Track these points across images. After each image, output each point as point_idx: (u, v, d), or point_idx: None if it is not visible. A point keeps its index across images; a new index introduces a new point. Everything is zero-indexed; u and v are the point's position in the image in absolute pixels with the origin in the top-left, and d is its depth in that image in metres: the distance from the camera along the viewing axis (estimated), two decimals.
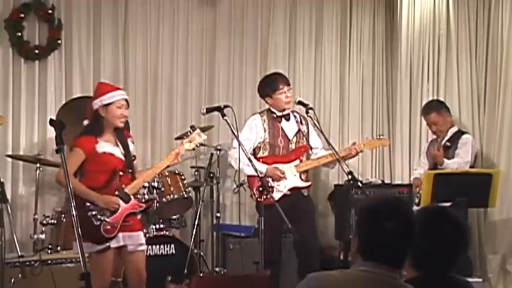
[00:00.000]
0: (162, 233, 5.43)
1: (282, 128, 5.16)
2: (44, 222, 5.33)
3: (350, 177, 4.63)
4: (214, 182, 5.99)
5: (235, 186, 5.57)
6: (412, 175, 6.20)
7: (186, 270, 5.24)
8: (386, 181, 6.70)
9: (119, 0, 6.31)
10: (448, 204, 4.79)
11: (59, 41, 6.02)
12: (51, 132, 4.23)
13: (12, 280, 4.73)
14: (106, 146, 4.22)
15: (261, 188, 4.44)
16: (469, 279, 2.95)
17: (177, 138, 5.73)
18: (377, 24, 7.12)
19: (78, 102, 5.55)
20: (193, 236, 5.63)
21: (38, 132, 5.99)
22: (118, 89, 4.41)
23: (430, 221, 2.46)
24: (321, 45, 6.97)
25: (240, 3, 6.73)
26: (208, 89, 6.65)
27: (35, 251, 5.27)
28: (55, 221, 5.32)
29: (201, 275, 5.51)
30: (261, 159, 5.12)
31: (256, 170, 4.40)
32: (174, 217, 5.87)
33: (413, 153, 6.80)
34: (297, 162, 5.15)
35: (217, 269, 5.82)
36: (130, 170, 4.32)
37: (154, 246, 5.31)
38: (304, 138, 5.20)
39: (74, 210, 3.08)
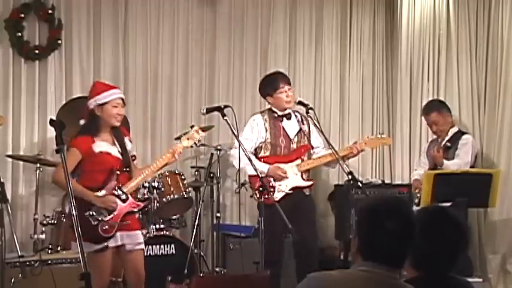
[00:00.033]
0: (162, 233, 5.43)
1: (283, 128, 5.16)
2: (44, 222, 5.33)
3: (350, 177, 4.63)
4: (214, 182, 5.99)
5: (237, 186, 5.56)
6: (412, 176, 6.20)
7: (186, 270, 5.24)
8: (386, 181, 6.70)
9: (119, 0, 6.31)
10: (448, 204, 4.79)
11: (59, 41, 6.02)
12: (51, 132, 4.22)
13: (12, 280, 4.73)
14: (103, 145, 4.21)
15: (261, 188, 4.44)
16: (469, 279, 2.95)
17: (177, 138, 5.70)
18: (377, 23, 7.12)
19: (78, 102, 5.54)
20: (193, 236, 5.63)
21: (38, 132, 5.98)
22: (113, 87, 4.39)
23: (430, 221, 2.46)
24: (321, 45, 6.97)
25: (240, 3, 6.73)
26: (208, 89, 6.65)
27: (35, 251, 5.27)
28: (55, 221, 5.32)
29: (201, 275, 5.51)
30: (262, 159, 5.12)
31: (256, 169, 4.39)
32: (174, 217, 5.87)
33: (413, 153, 6.80)
34: (299, 161, 5.14)
35: (217, 269, 5.82)
36: (127, 169, 4.31)
37: (154, 246, 5.31)
38: (306, 138, 5.20)
39: (74, 210, 3.08)
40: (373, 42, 7.10)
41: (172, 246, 5.39)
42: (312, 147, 5.25)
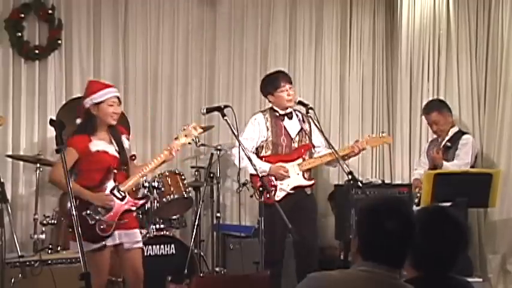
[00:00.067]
0: (162, 233, 5.43)
1: (284, 127, 5.15)
2: (44, 222, 5.33)
3: (350, 177, 4.63)
4: (214, 182, 5.99)
5: (238, 185, 5.54)
6: (412, 175, 6.20)
7: (186, 270, 5.24)
8: (386, 181, 6.70)
9: (119, 0, 6.31)
10: (448, 204, 4.79)
11: (59, 41, 6.02)
12: (51, 132, 4.23)
13: (12, 280, 4.73)
14: (100, 144, 4.20)
15: (261, 188, 4.43)
16: (469, 279, 2.95)
17: (177, 138, 5.72)
18: (377, 23, 7.12)
19: (78, 102, 5.51)
20: (193, 236, 5.63)
21: (38, 132, 5.98)
22: (109, 86, 4.37)
23: (430, 221, 2.46)
24: (321, 45, 6.97)
25: (240, 3, 6.74)
26: (208, 89, 6.65)
27: (35, 251, 5.27)
28: (55, 221, 5.32)
29: (201, 275, 5.51)
30: (263, 158, 5.12)
31: (255, 169, 4.39)
32: (174, 217, 5.87)
33: (413, 153, 6.80)
34: (300, 160, 5.14)
35: (217, 269, 5.82)
36: (125, 168, 4.30)
37: (154, 246, 5.32)
38: (307, 137, 5.20)
39: (73, 210, 3.08)
40: (373, 42, 7.10)
41: (172, 246, 5.39)
42: (313, 146, 5.25)
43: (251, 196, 5.05)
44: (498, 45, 6.25)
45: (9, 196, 5.05)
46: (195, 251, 5.60)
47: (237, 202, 6.53)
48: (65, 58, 6.10)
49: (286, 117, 5.17)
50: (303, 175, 5.14)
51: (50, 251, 5.17)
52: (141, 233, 5.28)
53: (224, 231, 6.14)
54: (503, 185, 5.66)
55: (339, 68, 7.03)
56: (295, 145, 5.16)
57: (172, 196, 5.62)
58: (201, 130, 4.53)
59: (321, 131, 5.06)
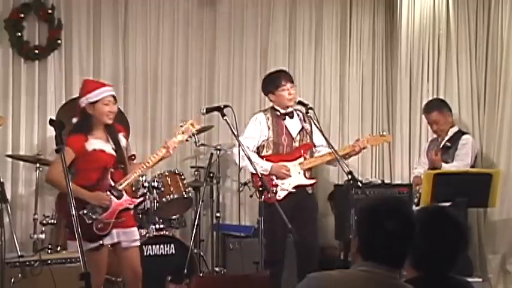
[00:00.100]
0: (162, 233, 5.43)
1: (285, 126, 5.15)
2: (44, 222, 5.32)
3: (350, 177, 4.63)
4: (214, 182, 5.99)
5: (240, 184, 5.54)
6: (412, 174, 6.20)
7: (186, 270, 5.24)
8: (386, 181, 6.70)
9: (119, 0, 6.31)
10: (447, 204, 4.79)
11: (59, 41, 6.02)
12: (51, 132, 4.22)
13: (12, 280, 4.72)
14: (96, 143, 4.19)
15: (261, 188, 4.43)
16: (469, 279, 2.95)
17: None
18: (377, 23, 7.12)
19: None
20: (193, 236, 5.63)
21: (38, 132, 5.98)
22: (104, 85, 4.35)
23: (430, 221, 2.46)
24: (320, 45, 6.97)
25: (240, 3, 6.74)
26: (208, 89, 6.65)
27: (35, 251, 5.26)
28: (55, 221, 5.31)
29: (201, 275, 5.51)
30: (264, 158, 5.12)
31: (256, 169, 4.39)
32: (174, 217, 5.87)
33: (413, 152, 6.80)
34: (301, 160, 5.14)
35: (217, 269, 5.83)
36: (122, 166, 4.29)
37: (154, 246, 5.31)
38: (308, 136, 5.20)
39: (73, 209, 3.08)
40: (373, 42, 7.10)
41: (172, 246, 5.39)
42: (314, 146, 5.25)
43: (251, 196, 5.04)
44: (498, 45, 6.25)
45: (9, 196, 5.05)
46: (195, 251, 5.60)
47: (236, 202, 6.53)
48: (65, 58, 6.10)
49: (287, 117, 5.17)
50: (304, 174, 5.14)
51: (49, 251, 5.17)
52: (140, 233, 5.31)
53: (224, 231, 6.14)
54: (503, 185, 5.66)
55: (339, 68, 7.03)
56: (296, 144, 5.16)
57: (172, 196, 5.62)
58: (199, 126, 4.52)
59: (321, 131, 5.06)
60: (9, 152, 5.80)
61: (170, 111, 6.49)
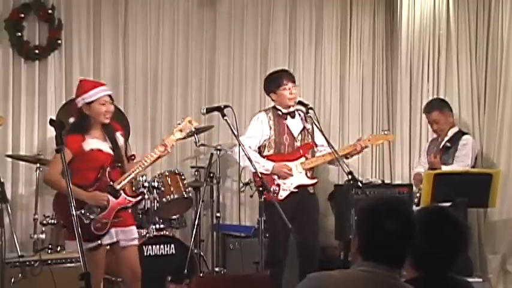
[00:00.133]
0: (162, 233, 5.43)
1: (287, 126, 5.15)
2: (44, 222, 5.33)
3: (350, 177, 4.63)
4: (214, 182, 5.99)
5: (242, 184, 5.54)
6: (413, 171, 6.20)
7: (186, 270, 5.24)
8: (386, 181, 6.70)
9: (119, 0, 6.31)
10: (448, 204, 4.79)
11: (59, 41, 6.02)
12: (51, 132, 4.22)
13: (12, 280, 4.72)
14: (93, 142, 4.19)
15: (261, 188, 4.44)
16: (469, 279, 2.95)
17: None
18: (377, 23, 7.12)
19: None
20: (193, 236, 5.63)
21: (38, 132, 5.99)
22: (100, 85, 4.35)
23: (430, 221, 2.46)
24: (321, 45, 6.97)
25: (240, 3, 6.74)
26: (208, 89, 6.65)
27: (35, 251, 5.26)
28: (55, 221, 5.31)
29: (201, 275, 5.52)
30: (266, 158, 5.11)
31: (255, 169, 4.40)
32: (174, 217, 5.87)
33: (413, 152, 6.80)
34: (303, 159, 5.14)
35: (217, 269, 5.83)
36: (119, 165, 4.29)
37: (154, 246, 5.31)
38: (309, 136, 5.20)
39: (73, 209, 3.08)
40: (373, 42, 7.10)
41: (172, 246, 5.39)
42: (316, 145, 5.25)
43: (251, 196, 5.05)
44: (498, 45, 6.25)
45: (9, 196, 5.05)
46: (195, 251, 5.60)
47: (237, 202, 6.54)
48: (65, 58, 6.10)
49: (289, 116, 5.17)
50: (306, 174, 5.14)
51: (49, 251, 5.17)
52: (140, 233, 5.31)
53: (224, 231, 6.14)
54: (503, 185, 5.67)
55: (339, 68, 7.03)
56: (298, 144, 5.16)
57: (172, 196, 5.62)
58: (196, 123, 4.50)
59: (321, 131, 5.07)
60: (9, 152, 5.80)
61: (170, 111, 6.49)
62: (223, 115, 4.46)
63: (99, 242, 4.12)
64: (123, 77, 6.33)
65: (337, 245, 6.41)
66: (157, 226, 5.46)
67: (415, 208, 5.22)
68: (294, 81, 5.17)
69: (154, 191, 5.51)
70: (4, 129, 5.77)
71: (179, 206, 5.82)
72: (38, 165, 5.50)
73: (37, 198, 5.54)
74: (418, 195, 5.69)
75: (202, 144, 5.93)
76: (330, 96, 6.99)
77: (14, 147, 5.89)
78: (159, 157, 4.35)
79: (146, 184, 5.48)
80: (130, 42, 6.36)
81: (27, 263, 4.83)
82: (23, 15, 5.85)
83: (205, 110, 4.65)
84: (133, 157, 5.28)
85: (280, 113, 5.16)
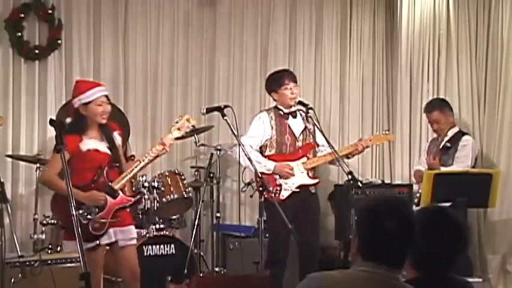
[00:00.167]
0: (162, 233, 5.43)
1: (289, 126, 5.15)
2: (44, 222, 5.32)
3: (350, 177, 4.63)
4: (214, 182, 5.99)
5: (243, 184, 5.53)
6: (413, 169, 6.20)
7: (186, 270, 5.24)
8: (386, 181, 6.70)
9: (119, 0, 6.31)
10: (448, 204, 4.79)
11: (59, 41, 6.02)
12: (51, 132, 4.22)
13: (12, 280, 4.71)
14: (90, 143, 4.18)
15: (261, 188, 4.44)
16: (469, 279, 2.96)
17: (177, 139, 5.72)
18: (377, 23, 7.12)
19: None
20: (193, 236, 5.63)
21: (38, 132, 5.99)
22: (97, 85, 4.33)
23: (430, 221, 2.46)
24: (321, 45, 6.97)
25: (240, 3, 6.74)
26: (208, 89, 6.65)
27: (35, 251, 5.26)
28: (55, 221, 5.31)
29: (201, 275, 5.52)
30: (267, 157, 5.11)
31: (255, 169, 4.40)
32: (174, 217, 5.87)
33: (413, 152, 6.80)
34: (304, 159, 5.14)
35: (217, 269, 5.83)
36: (117, 164, 4.28)
37: (154, 246, 5.31)
38: (311, 136, 5.20)
39: (73, 209, 3.08)
40: (373, 42, 7.10)
41: (172, 246, 5.39)
42: (318, 145, 5.25)
43: (251, 196, 5.05)
44: (498, 45, 6.25)
45: (9, 196, 5.04)
46: (195, 251, 5.60)
47: (237, 202, 6.54)
48: (65, 58, 6.10)
49: (290, 116, 5.17)
50: (307, 174, 5.14)
51: (49, 251, 5.16)
52: (140, 233, 5.31)
53: (224, 231, 6.14)
54: (503, 185, 5.67)
55: (339, 68, 7.03)
56: (300, 144, 5.16)
57: (172, 196, 5.62)
58: (195, 122, 4.48)
59: (321, 131, 5.07)
60: (9, 152, 5.80)
61: (170, 111, 6.48)
62: (223, 115, 4.46)
63: (98, 242, 4.12)
64: (123, 77, 6.33)
65: (337, 245, 6.41)
66: (157, 226, 5.46)
67: (415, 208, 5.22)
68: (295, 81, 5.17)
69: (154, 191, 5.51)
70: (4, 129, 5.77)
71: (179, 206, 5.82)
72: (38, 165, 5.50)
73: (37, 198, 5.54)
74: (418, 195, 5.69)
75: (202, 144, 5.93)
76: (330, 96, 6.99)
77: (14, 147, 5.89)
78: (157, 156, 4.33)
79: (146, 184, 5.48)
80: (131, 42, 6.36)
81: (27, 263, 4.82)
82: (23, 15, 5.85)
83: (205, 110, 4.65)
84: (133, 157, 5.28)
85: (281, 112, 5.16)
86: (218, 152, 5.96)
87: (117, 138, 4.34)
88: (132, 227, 4.35)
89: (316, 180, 5.20)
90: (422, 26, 6.75)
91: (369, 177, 6.78)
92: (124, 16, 6.33)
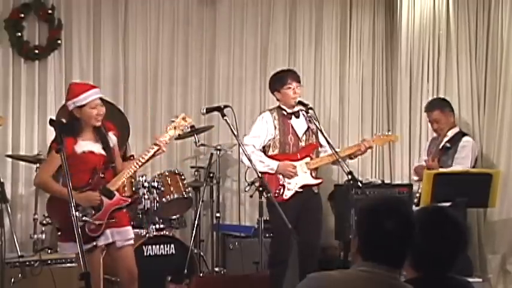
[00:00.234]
0: (162, 233, 5.43)
1: (292, 126, 5.15)
2: (44, 222, 5.33)
3: (350, 177, 4.63)
4: (214, 182, 5.99)
5: (246, 184, 5.51)
6: (413, 167, 6.20)
7: (186, 270, 5.24)
8: (386, 181, 6.70)
9: (119, 0, 6.31)
10: (447, 204, 4.79)
11: (59, 41, 6.02)
12: (51, 132, 4.23)
13: (12, 280, 4.73)
14: (85, 144, 4.17)
15: (261, 188, 4.44)
16: (469, 279, 2.95)
17: (177, 139, 5.74)
18: (377, 24, 7.12)
19: None
20: (193, 236, 5.63)
21: (38, 132, 5.99)
22: (91, 88, 4.31)
23: (430, 221, 2.46)
24: (320, 45, 6.97)
25: (240, 3, 6.74)
26: (208, 89, 6.65)
27: (35, 251, 5.27)
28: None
29: (201, 275, 5.52)
30: (270, 157, 5.11)
31: (255, 169, 4.40)
32: (174, 217, 5.87)
33: (413, 152, 6.80)
34: (308, 159, 5.14)
35: (217, 269, 5.82)
36: (112, 165, 4.27)
37: (154, 246, 5.31)
38: (314, 136, 5.20)
39: (73, 210, 3.08)
40: (373, 42, 7.10)
41: (172, 246, 5.39)
42: (321, 145, 5.25)
43: (251, 196, 5.04)
44: (498, 45, 6.25)
45: (9, 196, 5.05)
46: (195, 251, 5.60)
47: (236, 202, 6.55)
48: (65, 58, 6.10)
49: (293, 116, 5.17)
50: (311, 174, 5.14)
51: (49, 251, 5.17)
52: (140, 233, 5.31)
53: (224, 231, 6.14)
54: (503, 185, 5.67)
55: (339, 69, 7.03)
56: (302, 144, 5.16)
57: (172, 196, 5.62)
58: (191, 120, 4.46)
59: (321, 131, 5.07)
60: (9, 152, 5.80)
61: (170, 111, 6.47)
62: (223, 115, 4.46)
63: (94, 243, 4.11)
64: (123, 77, 6.33)
65: (337, 245, 6.41)
66: (157, 226, 5.46)
67: (414, 208, 5.21)
68: (299, 81, 5.18)
69: (154, 191, 5.51)
70: (4, 129, 5.77)
71: (179, 206, 5.82)
72: (38, 165, 5.49)
73: (37, 198, 5.53)
74: (417, 195, 5.69)
75: (202, 144, 5.93)
76: (329, 97, 6.99)
77: (14, 147, 5.89)
78: (153, 155, 4.31)
79: (146, 184, 5.48)
80: (130, 42, 6.36)
81: (27, 263, 4.84)
82: (23, 15, 5.86)
83: (205, 110, 4.65)
84: (132, 157, 5.27)
85: (284, 112, 5.16)
86: (218, 152, 5.96)
87: (112, 139, 4.33)
88: (129, 228, 4.34)
89: (319, 181, 5.20)
90: (422, 26, 6.75)
91: (369, 177, 6.78)
92: (124, 16, 6.33)
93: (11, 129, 5.89)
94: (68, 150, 4.07)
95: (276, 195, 4.90)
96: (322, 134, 5.06)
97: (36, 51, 5.91)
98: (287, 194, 5.01)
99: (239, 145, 4.49)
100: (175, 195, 5.64)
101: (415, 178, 6.02)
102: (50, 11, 5.95)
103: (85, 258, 3.92)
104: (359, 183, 4.72)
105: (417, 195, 5.71)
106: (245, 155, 4.46)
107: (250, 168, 5.03)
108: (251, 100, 6.70)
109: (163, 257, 5.34)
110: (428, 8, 6.72)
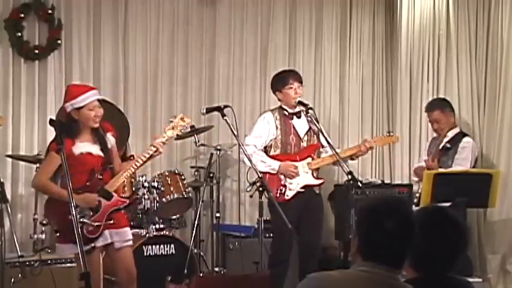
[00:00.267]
0: (162, 233, 5.43)
1: (293, 126, 5.15)
2: (44, 222, 5.33)
3: (350, 177, 4.63)
4: (214, 182, 5.99)
5: (248, 184, 5.51)
6: (413, 168, 6.19)
7: (186, 270, 5.24)
8: (386, 181, 6.70)
9: (119, 0, 6.32)
10: (447, 204, 4.79)
11: (59, 41, 6.02)
12: (51, 132, 4.23)
13: (12, 280, 4.73)
14: (83, 146, 4.17)
15: (260, 188, 4.44)
16: (469, 279, 2.95)
17: (177, 139, 5.74)
18: (377, 24, 7.12)
19: None
20: (193, 236, 5.63)
21: (38, 132, 5.99)
22: (90, 89, 4.30)
23: (430, 221, 2.46)
24: (320, 45, 6.97)
25: (240, 3, 6.74)
26: (208, 89, 6.65)
27: (35, 251, 5.27)
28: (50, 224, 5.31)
29: (201, 275, 5.52)
30: (272, 158, 5.11)
31: (255, 169, 4.40)
32: (174, 217, 5.87)
33: (413, 152, 6.80)
34: (309, 160, 5.14)
35: (217, 269, 5.82)
36: (110, 166, 4.27)
37: (154, 246, 5.31)
38: (315, 136, 5.20)
39: (73, 210, 3.08)
40: (373, 43, 7.10)
41: (172, 246, 5.39)
42: (322, 146, 5.25)
43: (251, 196, 5.04)
44: (498, 46, 6.25)
45: (9, 196, 5.05)
46: (195, 251, 5.60)
47: (236, 202, 6.55)
48: (65, 58, 6.10)
49: (295, 117, 5.17)
50: (312, 174, 5.14)
51: (49, 251, 5.17)
52: (140, 233, 5.31)
53: (224, 231, 6.14)
54: (503, 186, 5.67)
55: (339, 69, 7.03)
56: (304, 144, 5.16)
57: (172, 196, 5.62)
58: (189, 120, 4.46)
59: (321, 131, 5.07)
60: (9, 152, 5.80)
61: (170, 111, 6.47)
62: (223, 115, 4.46)
63: (93, 244, 4.11)
64: (123, 77, 6.33)
65: (337, 245, 6.41)
66: (157, 226, 5.46)
67: (414, 208, 5.21)
68: (300, 82, 5.18)
69: (154, 191, 5.51)
70: (4, 129, 5.77)
71: (179, 206, 5.82)
72: (38, 165, 5.49)
73: (37, 198, 5.53)
74: (417, 195, 5.69)
75: (202, 144, 5.93)
76: (329, 97, 6.99)
77: (14, 147, 5.90)
78: (151, 156, 4.30)
79: (146, 184, 5.48)
80: (130, 41, 6.36)
81: (27, 263, 4.84)
82: (23, 15, 5.86)
83: (205, 110, 4.66)
84: (132, 157, 5.27)
85: (286, 113, 5.17)
86: (218, 152, 5.96)
87: (110, 140, 4.32)
88: (128, 229, 4.34)
89: (320, 181, 5.20)
90: (422, 26, 6.75)
91: (369, 177, 6.78)
92: (124, 16, 6.34)
93: (11, 129, 5.89)
94: (65, 151, 4.08)
95: (278, 195, 4.91)
96: (323, 134, 5.06)
97: (36, 51, 5.92)
98: (289, 194, 5.02)
99: (239, 145, 4.49)
100: (175, 195, 5.64)
101: (415, 179, 6.02)
102: (50, 11, 5.95)
103: (85, 259, 3.99)
104: (359, 183, 4.72)
105: (417, 195, 5.71)
106: (245, 155, 4.46)
107: (251, 168, 5.05)
108: (251, 100, 6.70)
109: (163, 257, 5.34)
110: (428, 8, 6.72)
